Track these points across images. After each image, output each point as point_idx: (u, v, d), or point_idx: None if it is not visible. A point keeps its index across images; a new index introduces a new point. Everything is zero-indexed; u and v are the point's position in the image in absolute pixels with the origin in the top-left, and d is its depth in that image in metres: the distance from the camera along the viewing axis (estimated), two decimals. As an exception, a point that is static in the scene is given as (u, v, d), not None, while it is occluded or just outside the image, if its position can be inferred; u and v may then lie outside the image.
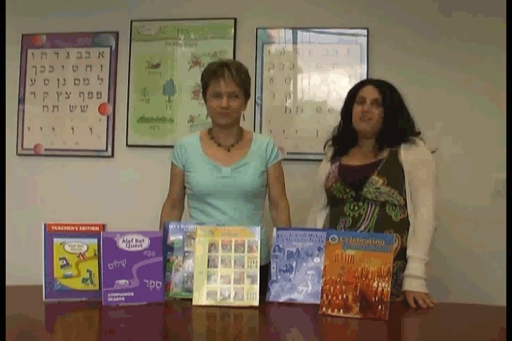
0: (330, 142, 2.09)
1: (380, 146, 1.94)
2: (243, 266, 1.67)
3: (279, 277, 1.71)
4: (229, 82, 1.90)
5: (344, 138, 2.04)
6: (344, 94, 2.06)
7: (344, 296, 1.55)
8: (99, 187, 2.84)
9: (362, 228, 1.88)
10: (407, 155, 1.90)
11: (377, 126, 1.95)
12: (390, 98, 1.93)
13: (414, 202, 1.88)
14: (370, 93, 1.94)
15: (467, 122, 2.58)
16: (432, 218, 1.85)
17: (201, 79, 2.00)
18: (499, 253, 2.28)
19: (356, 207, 1.91)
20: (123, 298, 1.63)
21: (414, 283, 1.76)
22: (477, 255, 2.55)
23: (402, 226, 1.88)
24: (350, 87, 2.06)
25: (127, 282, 1.64)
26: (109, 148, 2.85)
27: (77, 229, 1.69)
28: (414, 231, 1.85)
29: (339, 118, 2.08)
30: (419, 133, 1.97)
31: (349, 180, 1.93)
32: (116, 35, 2.84)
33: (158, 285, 1.66)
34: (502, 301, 1.60)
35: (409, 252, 1.82)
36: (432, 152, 1.95)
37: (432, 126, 2.38)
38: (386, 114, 1.93)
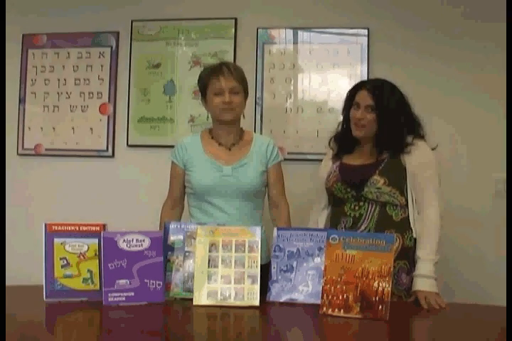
0: (333, 138, 2.08)
1: (379, 150, 1.93)
2: (244, 266, 1.67)
3: (280, 277, 1.71)
4: (229, 78, 1.94)
5: (346, 137, 2.03)
6: (345, 94, 2.05)
7: (345, 296, 1.55)
8: (100, 187, 2.84)
9: (362, 228, 1.88)
10: (410, 157, 1.88)
11: (372, 132, 1.92)
12: (384, 103, 1.89)
13: (420, 203, 1.87)
14: (364, 99, 1.91)
15: (467, 121, 2.58)
16: (439, 218, 1.85)
17: (199, 81, 2.02)
18: (499, 253, 2.28)
19: (357, 207, 1.91)
20: (123, 298, 1.63)
21: (425, 282, 1.75)
22: (477, 255, 2.55)
23: (403, 226, 1.88)
24: (350, 87, 2.05)
25: (128, 282, 1.64)
26: (110, 148, 2.84)
27: (77, 229, 1.69)
28: (422, 231, 1.85)
29: (342, 116, 2.06)
30: (423, 136, 1.94)
31: (350, 179, 1.93)
32: (117, 35, 2.84)
33: (159, 285, 1.66)
34: (502, 301, 1.60)
35: (419, 253, 1.82)
36: (432, 149, 1.94)
37: (431, 126, 2.38)
38: (379, 119, 1.89)
